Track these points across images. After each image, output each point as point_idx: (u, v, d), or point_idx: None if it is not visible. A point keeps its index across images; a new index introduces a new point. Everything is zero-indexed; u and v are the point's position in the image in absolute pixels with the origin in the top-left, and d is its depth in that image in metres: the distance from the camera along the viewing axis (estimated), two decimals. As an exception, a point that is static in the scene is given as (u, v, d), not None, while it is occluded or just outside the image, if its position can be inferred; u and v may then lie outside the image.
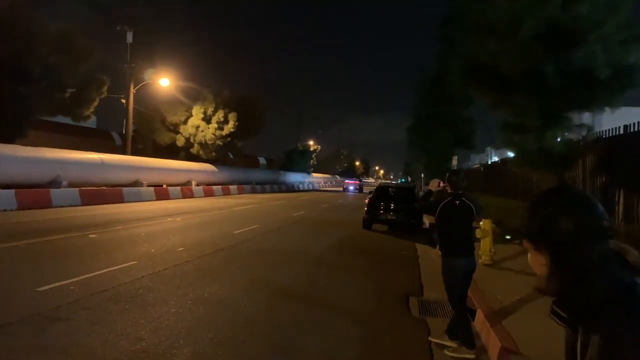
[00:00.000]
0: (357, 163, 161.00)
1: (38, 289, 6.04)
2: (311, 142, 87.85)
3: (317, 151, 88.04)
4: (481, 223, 9.02)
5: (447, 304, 6.64)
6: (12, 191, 17.51)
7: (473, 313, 5.99)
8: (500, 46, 8.89)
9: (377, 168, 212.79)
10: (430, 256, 10.78)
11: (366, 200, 16.35)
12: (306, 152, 75.26)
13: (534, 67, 8.94)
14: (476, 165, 32.64)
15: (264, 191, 45.01)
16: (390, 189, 18.42)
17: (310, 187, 59.62)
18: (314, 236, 13.57)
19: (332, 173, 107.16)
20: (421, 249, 11.96)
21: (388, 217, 15.39)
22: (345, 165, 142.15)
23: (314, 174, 74.09)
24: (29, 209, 17.25)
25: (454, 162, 25.77)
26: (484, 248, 8.99)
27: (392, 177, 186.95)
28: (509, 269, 8.63)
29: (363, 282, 7.74)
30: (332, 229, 15.49)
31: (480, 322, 5.73)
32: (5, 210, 16.33)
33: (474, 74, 10.00)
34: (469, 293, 6.70)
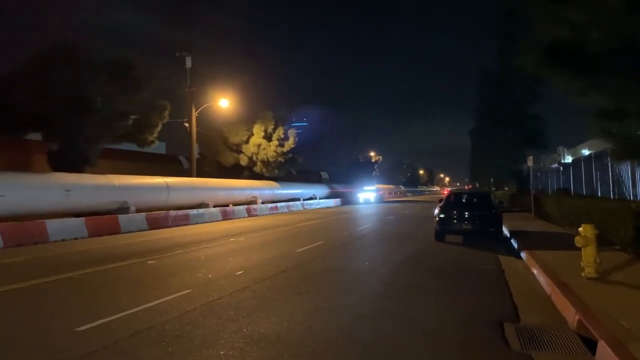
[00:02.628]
0: (421, 172, 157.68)
1: (77, 329, 5.43)
2: (372, 154, 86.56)
3: (378, 162, 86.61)
4: (580, 229, 7.61)
5: (554, 330, 5.40)
6: (82, 219, 17.77)
7: (593, 345, 4.73)
8: (586, 17, 7.53)
9: (442, 175, 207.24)
10: (517, 270, 9.41)
11: (436, 210, 14.99)
12: (367, 163, 74.08)
13: (630, 40, 7.52)
14: (554, 165, 30.15)
15: (327, 206, 44.34)
16: (463, 195, 16.98)
17: (374, 199, 58.26)
18: (382, 252, 12.50)
19: (396, 183, 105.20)
20: (505, 261, 10.55)
21: (463, 226, 13.95)
22: (409, 174, 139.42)
23: (377, 185, 72.60)
24: (99, 235, 17.43)
25: (529, 162, 23.71)
26: (587, 259, 7.56)
27: (457, 184, 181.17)
28: (621, 282, 7.16)
29: (443, 305, 6.59)
30: (401, 242, 14.32)
31: (604, 357, 4.46)
32: (75, 239, 16.48)
33: (553, 55, 8.58)
34: (581, 318, 5.42)
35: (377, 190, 65.10)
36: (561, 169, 23.29)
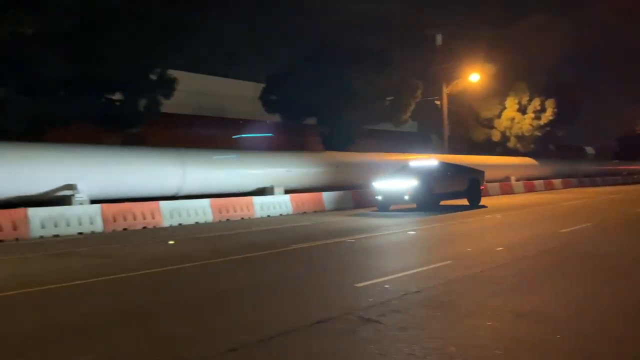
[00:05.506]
0: None
1: (357, 285, 6.26)
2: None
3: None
4: None
5: None
6: (349, 192, 20.64)
7: None
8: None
9: None
10: None
11: None
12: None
13: None
14: None
15: (594, 184, 39.23)
16: None
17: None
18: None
19: None
20: None
21: None
22: None
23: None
24: (360, 207, 19.66)
25: None
26: None
27: None
28: None
29: None
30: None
31: None
32: (344, 209, 19.20)
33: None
34: None
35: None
36: None
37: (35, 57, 14.54)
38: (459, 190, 18.87)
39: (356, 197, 20.49)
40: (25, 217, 12.26)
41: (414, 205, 17.53)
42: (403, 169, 19.06)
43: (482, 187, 20.14)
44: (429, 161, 19.59)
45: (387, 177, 18.06)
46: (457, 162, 27.98)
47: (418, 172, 18.05)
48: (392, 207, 17.96)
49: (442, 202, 18.86)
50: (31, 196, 13.29)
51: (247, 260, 8.80)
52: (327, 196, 19.64)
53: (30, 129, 15.40)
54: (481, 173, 20.40)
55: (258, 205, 17.16)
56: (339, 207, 19.38)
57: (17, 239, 11.89)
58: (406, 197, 16.96)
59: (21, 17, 13.80)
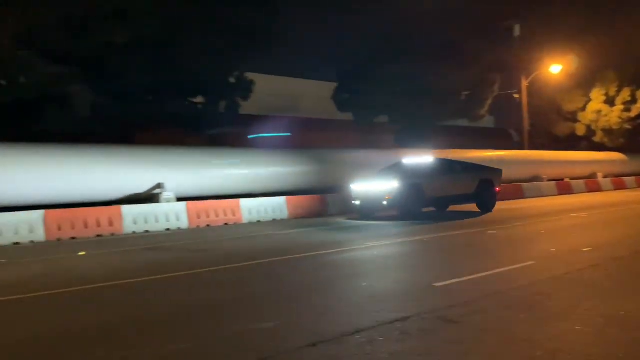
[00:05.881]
0: None
1: (435, 284, 6.22)
2: None
3: None
4: None
5: None
6: None
7: None
8: None
9: None
10: None
11: None
12: None
13: None
14: None
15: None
16: None
17: None
18: None
19: None
20: None
21: None
22: None
23: None
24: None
25: None
26: None
27: None
28: None
29: None
30: None
31: None
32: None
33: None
34: None
35: None
36: None
37: (124, 65, 15.68)
38: (464, 193, 15.73)
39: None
40: (120, 214, 13.36)
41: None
42: (391, 168, 16.19)
43: (497, 189, 16.62)
44: (424, 158, 16.32)
45: (368, 178, 15.35)
46: (527, 158, 26.94)
47: (403, 171, 15.45)
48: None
49: (451, 207, 16.66)
50: (131, 195, 14.53)
51: (326, 256, 8.96)
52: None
53: (122, 132, 16.61)
54: (496, 172, 17.10)
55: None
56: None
57: (112, 234, 13.01)
58: (384, 202, 14.42)
59: (114, 29, 14.91)
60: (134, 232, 13.33)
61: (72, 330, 4.99)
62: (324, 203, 17.37)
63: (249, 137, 18.63)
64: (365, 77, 23.17)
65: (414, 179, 14.90)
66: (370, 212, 15.27)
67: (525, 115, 30.18)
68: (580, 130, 35.09)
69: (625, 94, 33.55)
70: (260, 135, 20.54)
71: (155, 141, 17.21)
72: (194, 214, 14.51)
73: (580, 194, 24.97)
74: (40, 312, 5.81)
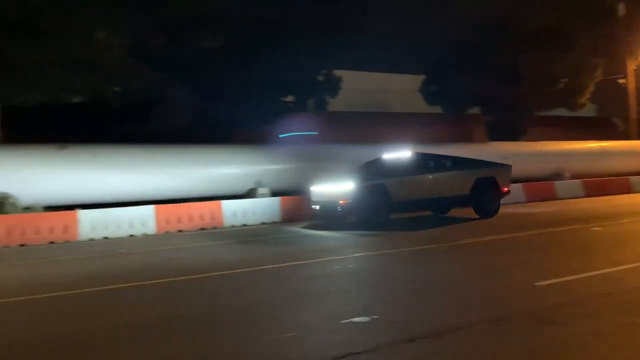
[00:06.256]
0: None
1: (537, 284, 6.02)
2: None
3: None
4: None
5: None
6: (520, 185, 18.92)
7: None
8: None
9: None
10: None
11: None
12: None
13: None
14: None
15: None
16: None
17: None
18: None
19: None
20: None
21: None
22: None
23: None
24: (535, 200, 18.25)
25: None
26: None
27: None
28: None
29: None
30: None
31: None
32: (515, 203, 17.10)
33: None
34: None
35: None
36: None
37: (219, 67, 16.57)
38: (455, 194, 13.23)
39: (529, 190, 18.95)
40: (220, 208, 14.42)
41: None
42: (362, 166, 13.77)
43: (504, 190, 13.85)
44: (401, 153, 13.34)
45: (329, 179, 13.10)
46: (634, 149, 24.62)
47: (367, 169, 13.28)
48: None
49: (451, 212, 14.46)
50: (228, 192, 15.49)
51: (422, 252, 8.94)
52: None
53: (219, 132, 17.56)
54: (501, 168, 14.16)
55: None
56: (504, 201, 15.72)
57: (214, 227, 14.11)
58: (339, 208, 12.35)
59: (211, 33, 15.81)
60: (233, 226, 14.34)
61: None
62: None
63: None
64: (454, 68, 22.54)
65: (376, 178, 12.52)
66: (329, 219, 13.27)
67: (632, 101, 27.79)
68: (699, 117, 31.66)
69: None
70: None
71: (251, 140, 18.03)
72: (286, 208, 15.20)
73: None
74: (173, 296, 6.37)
